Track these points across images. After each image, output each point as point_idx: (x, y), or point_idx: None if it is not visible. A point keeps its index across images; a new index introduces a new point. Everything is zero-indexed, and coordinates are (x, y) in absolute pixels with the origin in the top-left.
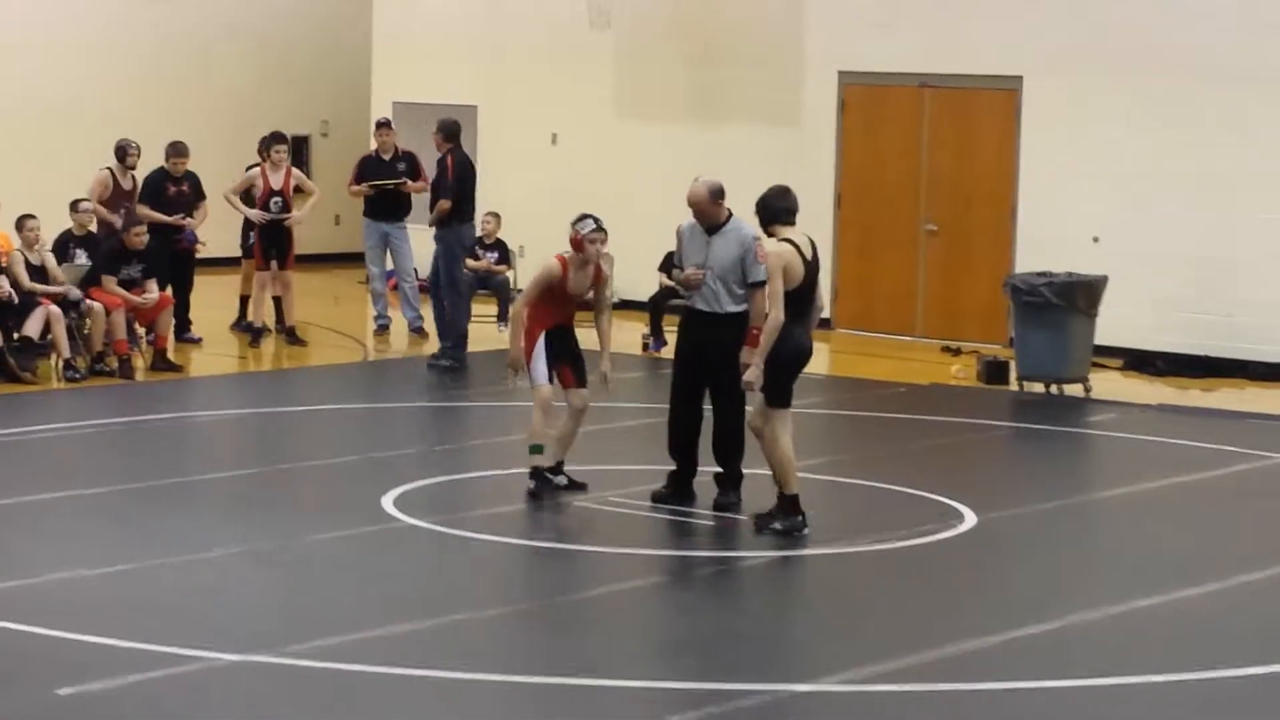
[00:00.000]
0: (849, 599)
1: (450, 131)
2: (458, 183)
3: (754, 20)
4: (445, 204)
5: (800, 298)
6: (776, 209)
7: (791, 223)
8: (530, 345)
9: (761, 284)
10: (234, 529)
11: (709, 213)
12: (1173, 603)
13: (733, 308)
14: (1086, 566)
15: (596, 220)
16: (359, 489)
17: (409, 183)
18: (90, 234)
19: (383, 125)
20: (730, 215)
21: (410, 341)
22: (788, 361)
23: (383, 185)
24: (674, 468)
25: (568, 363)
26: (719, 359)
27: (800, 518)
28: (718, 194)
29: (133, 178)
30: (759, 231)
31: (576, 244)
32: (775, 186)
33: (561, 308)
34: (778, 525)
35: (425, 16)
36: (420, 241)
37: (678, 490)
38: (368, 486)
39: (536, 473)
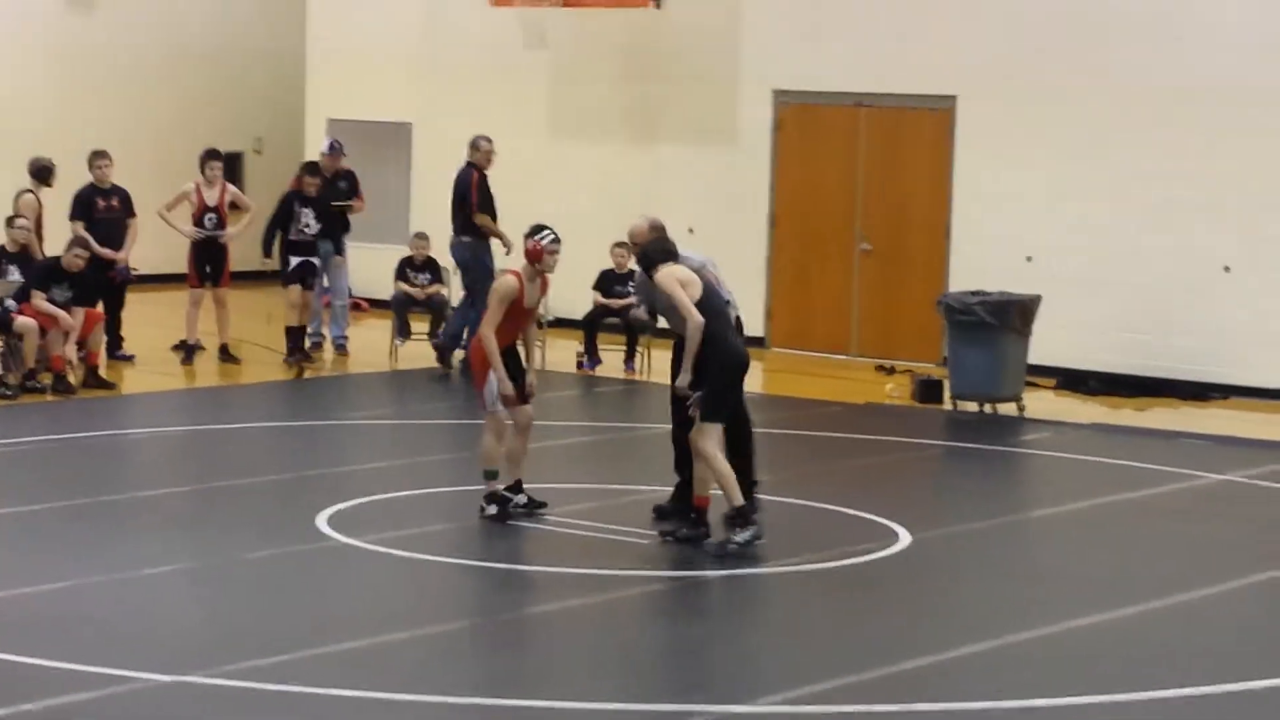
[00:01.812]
0: (786, 619)
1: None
2: (485, 196)
3: (689, 39)
4: (485, 218)
5: (708, 307)
6: (654, 256)
7: (674, 262)
8: (482, 369)
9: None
10: (167, 547)
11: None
12: (1108, 622)
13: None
14: (1022, 586)
15: (554, 231)
16: (293, 507)
17: (356, 202)
18: (23, 249)
19: (335, 152)
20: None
21: (334, 360)
22: (726, 374)
23: (340, 207)
24: (678, 481)
25: (513, 381)
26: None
27: (755, 528)
28: (656, 229)
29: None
30: (704, 260)
31: (535, 254)
32: (652, 235)
33: (513, 324)
34: (738, 540)
35: (360, 33)
36: (360, 261)
37: (681, 502)
38: (301, 505)
39: (495, 497)
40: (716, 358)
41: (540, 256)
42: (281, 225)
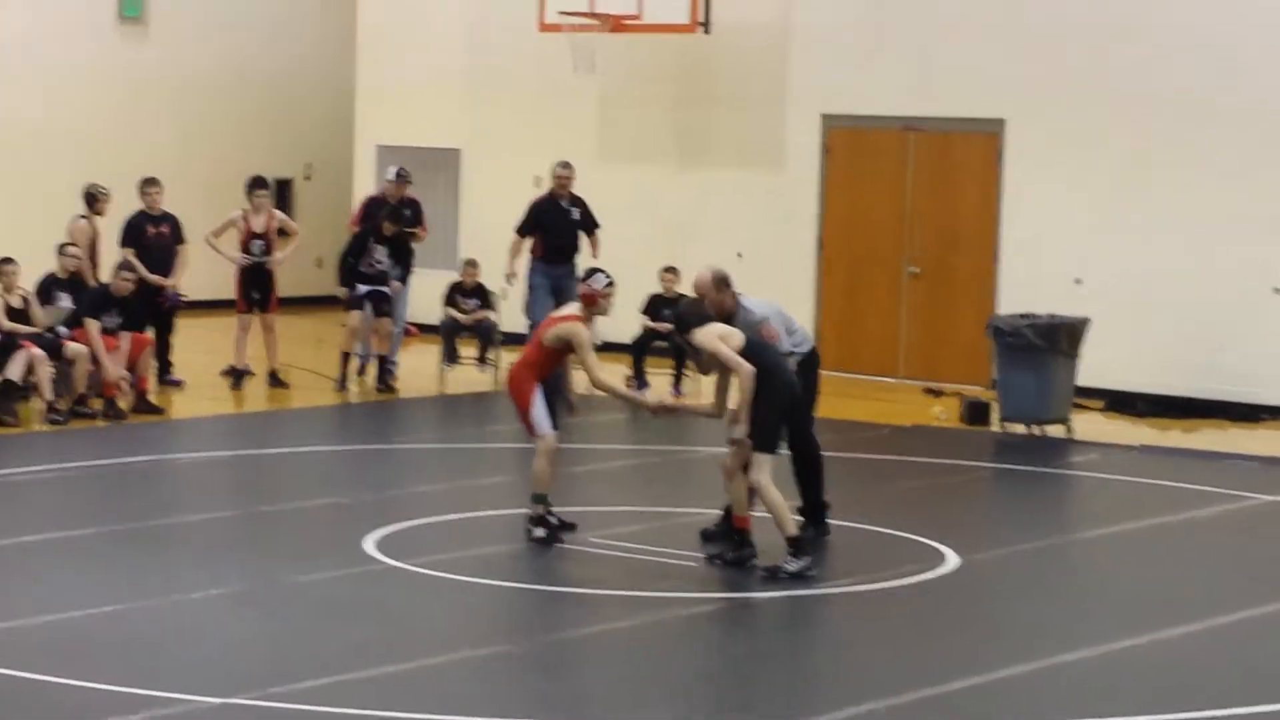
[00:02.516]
0: (833, 640)
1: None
2: (532, 219)
3: (737, 64)
4: (514, 241)
5: (757, 353)
6: (690, 320)
7: (709, 323)
8: (528, 396)
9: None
10: (216, 571)
11: (714, 301)
12: (1155, 643)
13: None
14: (1069, 607)
15: (608, 275)
16: (341, 531)
17: (420, 231)
18: (74, 276)
19: (403, 179)
20: (737, 300)
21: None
22: (780, 405)
23: (405, 234)
24: (727, 505)
25: (554, 399)
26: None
27: (811, 559)
28: (722, 281)
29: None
30: (768, 311)
31: (591, 299)
32: (686, 300)
33: (557, 361)
34: (789, 569)
35: (409, 59)
36: (418, 287)
37: (729, 525)
38: (349, 528)
39: (541, 520)
40: (766, 391)
41: (596, 301)
42: (354, 258)
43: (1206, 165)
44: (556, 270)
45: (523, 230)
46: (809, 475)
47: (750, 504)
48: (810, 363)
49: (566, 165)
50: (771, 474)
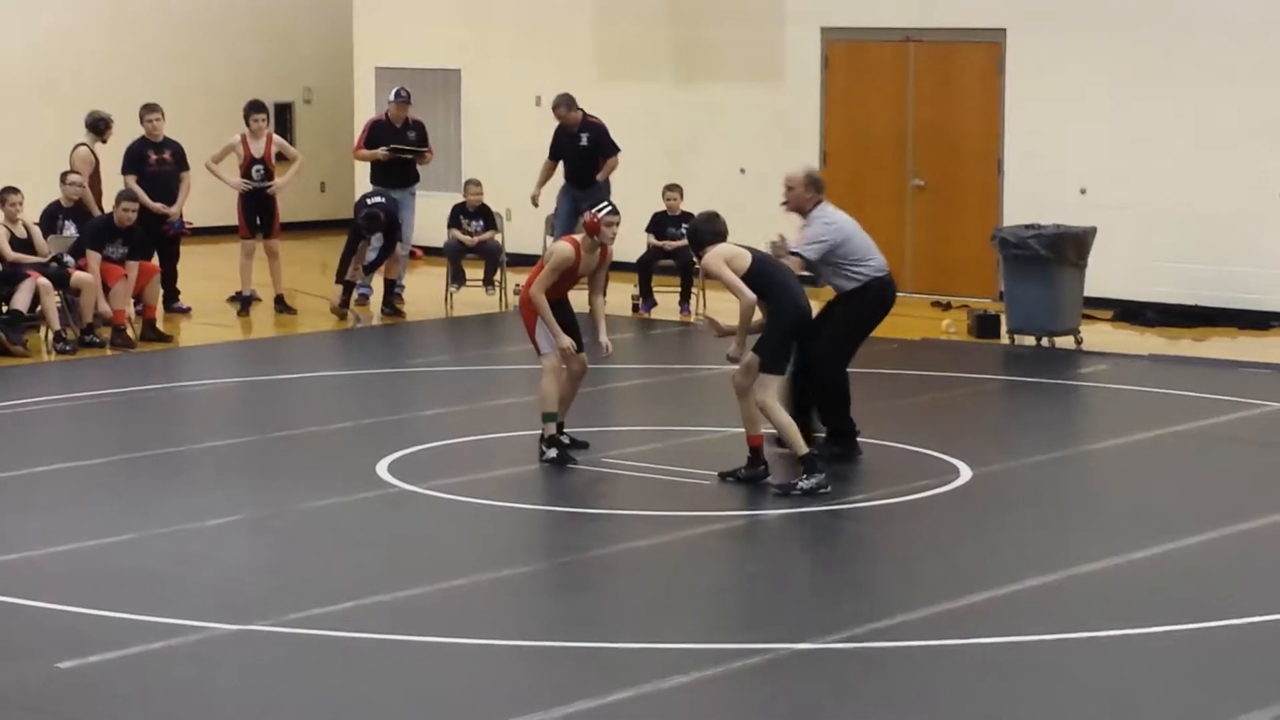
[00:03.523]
0: (848, 556)
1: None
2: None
3: None
4: (616, 161)
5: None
6: (704, 233)
7: (722, 241)
8: (533, 318)
9: (794, 254)
10: (229, 498)
11: (796, 196)
12: (1172, 553)
13: (851, 286)
14: (1084, 519)
15: (611, 203)
16: (353, 456)
17: (427, 152)
18: (78, 204)
19: (403, 100)
20: (817, 205)
21: (383, 316)
22: (787, 327)
23: (403, 151)
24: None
25: (567, 327)
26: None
27: (823, 474)
28: (813, 183)
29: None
30: (835, 217)
31: (593, 227)
32: (703, 213)
33: (564, 286)
34: (802, 486)
35: None
36: (422, 210)
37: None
38: (361, 453)
39: (553, 440)
40: (782, 311)
41: (598, 229)
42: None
43: (1211, 72)
44: (578, 194)
45: (551, 155)
46: (832, 401)
47: (760, 422)
48: (877, 291)
49: (560, 102)
50: (777, 394)
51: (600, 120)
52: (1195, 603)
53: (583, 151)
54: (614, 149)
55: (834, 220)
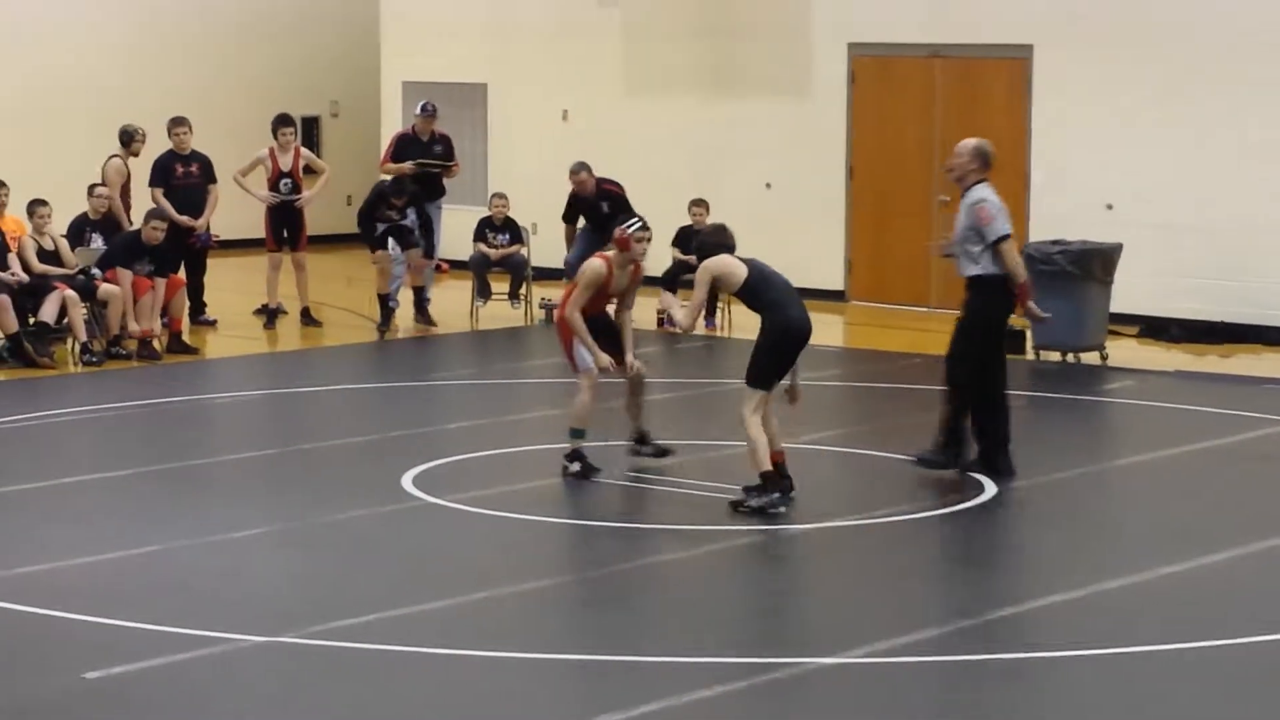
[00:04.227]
0: (872, 571)
1: None
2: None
3: None
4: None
5: (757, 291)
6: (709, 245)
7: (726, 254)
8: (569, 337)
9: (1002, 238)
10: (255, 510)
11: (959, 166)
12: (1196, 569)
13: (973, 270)
14: (1108, 534)
15: (642, 219)
16: (378, 468)
17: (454, 165)
18: (106, 217)
19: (429, 114)
20: (977, 183)
21: (415, 327)
22: (775, 344)
23: (430, 166)
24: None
25: (608, 343)
26: (961, 320)
27: (777, 495)
28: (983, 157)
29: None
30: (989, 194)
31: (623, 243)
32: (711, 225)
33: (599, 303)
34: (751, 504)
35: None
36: (448, 224)
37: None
38: (387, 466)
39: (577, 455)
40: (772, 328)
41: (628, 245)
42: (369, 215)
43: (1237, 87)
44: (598, 239)
45: (565, 217)
46: (989, 411)
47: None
48: (993, 288)
49: (579, 168)
50: (758, 409)
51: (617, 187)
52: (1220, 619)
53: (604, 219)
54: (631, 215)
55: (993, 201)
